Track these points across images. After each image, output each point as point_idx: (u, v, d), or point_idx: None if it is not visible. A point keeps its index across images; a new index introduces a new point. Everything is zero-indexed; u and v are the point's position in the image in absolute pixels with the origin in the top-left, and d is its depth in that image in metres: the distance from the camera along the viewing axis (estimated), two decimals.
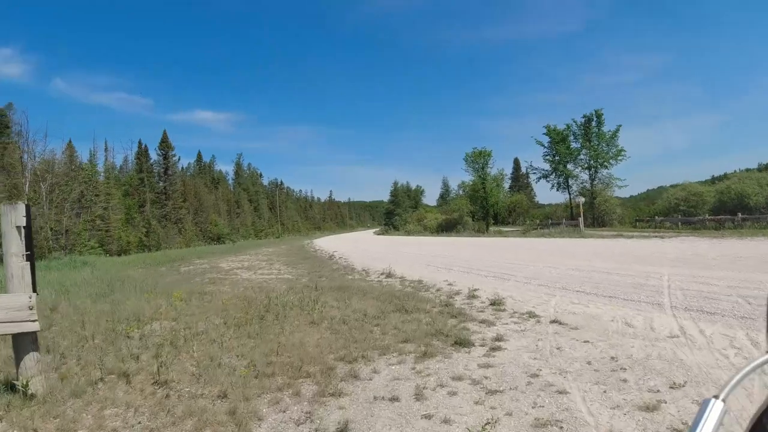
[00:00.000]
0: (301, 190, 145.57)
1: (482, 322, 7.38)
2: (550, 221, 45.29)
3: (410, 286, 12.02)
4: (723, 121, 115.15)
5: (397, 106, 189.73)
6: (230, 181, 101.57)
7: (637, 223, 39.03)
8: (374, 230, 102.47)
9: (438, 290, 11.02)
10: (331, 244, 44.89)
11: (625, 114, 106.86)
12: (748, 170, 41.58)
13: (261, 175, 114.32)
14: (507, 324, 7.20)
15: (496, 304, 8.67)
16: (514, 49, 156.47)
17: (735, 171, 57.82)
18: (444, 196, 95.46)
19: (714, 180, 49.47)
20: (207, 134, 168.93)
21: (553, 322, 7.13)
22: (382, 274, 15.17)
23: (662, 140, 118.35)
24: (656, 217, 37.23)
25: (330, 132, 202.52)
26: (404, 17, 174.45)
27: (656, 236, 25.05)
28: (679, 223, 33.90)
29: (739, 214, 28.68)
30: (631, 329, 6.45)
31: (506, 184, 76.93)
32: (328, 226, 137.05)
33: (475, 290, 10.29)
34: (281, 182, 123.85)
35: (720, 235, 22.49)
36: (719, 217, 30.28)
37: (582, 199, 36.44)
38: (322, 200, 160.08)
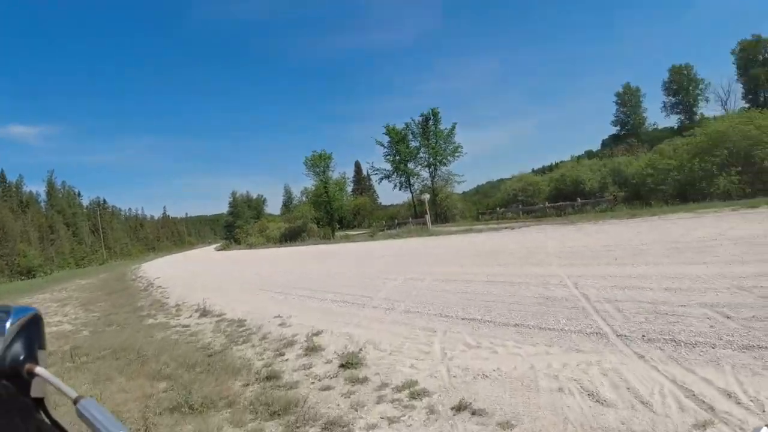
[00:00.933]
0: (130, 209, 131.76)
1: (329, 424, 4.10)
2: (395, 221, 43.77)
3: (226, 331, 8.79)
4: (543, 120, 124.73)
5: (239, 114, 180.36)
6: (42, 204, 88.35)
7: (480, 216, 38.82)
8: (215, 246, 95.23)
9: (263, 338, 7.88)
10: (159, 267, 39.17)
11: (458, 117, 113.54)
12: (578, 158, 43.65)
13: (79, 194, 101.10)
14: (376, 424, 4.03)
15: (350, 365, 5.58)
16: (359, 58, 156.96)
17: (559, 162, 61.94)
18: (287, 204, 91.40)
19: (544, 170, 51.56)
20: (18, 150, 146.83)
21: (458, 409, 4.02)
22: (197, 310, 11.66)
23: (491, 140, 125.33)
24: (498, 209, 37.20)
25: (164, 144, 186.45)
26: (249, 25, 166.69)
27: (506, 227, 23.98)
28: (521, 212, 33.92)
29: (579, 199, 28.99)
30: (608, 411, 3.58)
31: (349, 188, 75.56)
32: (164, 246, 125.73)
33: (318, 334, 7.33)
34: (104, 201, 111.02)
35: (569, 222, 21.84)
36: (559, 203, 30.52)
37: (427, 196, 35.23)
38: (156, 218, 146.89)
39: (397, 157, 51.12)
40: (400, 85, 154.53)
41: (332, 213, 54.16)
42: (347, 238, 43.65)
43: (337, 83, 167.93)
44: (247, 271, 22.93)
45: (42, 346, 0.86)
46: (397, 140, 50.75)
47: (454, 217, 46.53)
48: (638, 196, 29.59)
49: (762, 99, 70.77)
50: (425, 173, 50.99)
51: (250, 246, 61.37)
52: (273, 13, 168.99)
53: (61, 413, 0.82)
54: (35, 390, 0.80)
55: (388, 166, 52.35)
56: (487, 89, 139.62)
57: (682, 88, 76.24)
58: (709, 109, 77.35)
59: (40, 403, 0.81)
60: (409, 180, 51.74)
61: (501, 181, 50.85)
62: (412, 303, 8.69)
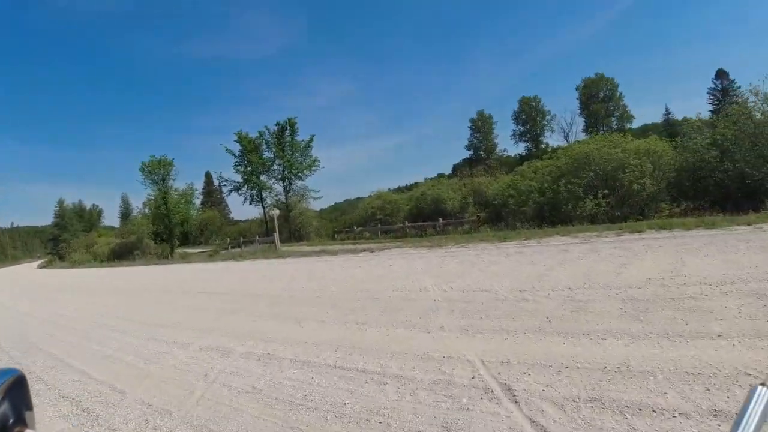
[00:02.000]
0: None
1: None
2: (241, 239, 38.81)
3: None
4: (399, 142, 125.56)
5: (87, 118, 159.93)
6: None
7: (336, 235, 35.32)
8: (39, 262, 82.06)
9: None
10: None
11: (319, 134, 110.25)
12: (438, 177, 42.01)
13: None
14: None
15: None
16: (218, 68, 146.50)
17: (418, 182, 60.69)
18: (125, 216, 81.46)
19: (402, 189, 49.50)
20: None
21: None
22: None
23: (348, 158, 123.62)
24: (354, 227, 33.98)
25: None
26: (101, 23, 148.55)
27: (364, 249, 20.54)
28: (379, 232, 30.97)
29: (440, 219, 26.54)
30: None
31: (198, 200, 68.85)
32: None
33: None
34: None
35: (434, 244, 18.85)
36: (419, 223, 27.91)
37: (277, 212, 30.89)
38: None
39: (249, 168, 46.23)
40: (261, 99, 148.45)
41: (171, 228, 47.62)
42: (184, 258, 37.89)
43: (192, 93, 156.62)
44: (27, 308, 17.23)
45: (29, 407, 0.84)
46: (249, 149, 45.89)
47: (308, 235, 42.69)
48: (500, 217, 27.96)
49: (601, 132, 76.38)
50: (279, 187, 46.71)
51: (74, 264, 52.54)
52: (128, 8, 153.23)
53: None
54: None
55: (238, 178, 47.32)
56: (346, 108, 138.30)
57: (530, 118, 79.75)
58: (553, 139, 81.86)
59: None
60: (261, 193, 47.03)
61: (359, 199, 47.94)
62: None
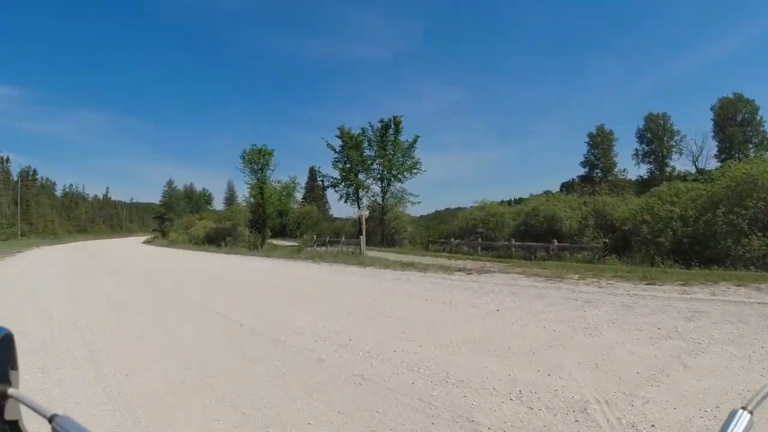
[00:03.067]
0: (71, 185, 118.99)
1: None
2: (327, 238, 36.20)
3: None
4: (506, 154, 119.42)
5: (207, 106, 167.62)
6: None
7: (430, 245, 31.73)
8: (146, 238, 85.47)
9: None
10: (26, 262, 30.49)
11: (423, 139, 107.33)
12: (546, 193, 37.47)
13: (7, 160, 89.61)
14: None
15: None
16: (335, 68, 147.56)
17: (523, 197, 55.58)
18: (230, 202, 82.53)
19: (510, 203, 44.87)
20: None
21: None
22: None
23: (452, 167, 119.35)
24: (451, 239, 30.18)
25: (121, 121, 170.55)
26: (229, 18, 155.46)
27: (460, 270, 16.79)
28: (479, 248, 27.02)
29: (555, 241, 22.20)
30: None
31: (299, 194, 68.16)
32: (98, 229, 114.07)
33: None
34: (34, 171, 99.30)
35: (556, 276, 14.69)
36: (530, 243, 23.67)
37: (366, 213, 27.81)
38: (99, 197, 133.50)
39: (348, 165, 43.86)
40: (368, 99, 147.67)
41: (265, 218, 46.21)
42: (269, 251, 35.92)
43: (308, 89, 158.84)
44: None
45: (14, 367, 0.83)
46: (350, 145, 43.50)
47: (401, 241, 39.48)
48: (627, 245, 23.12)
49: (736, 159, 66.95)
50: (377, 187, 43.89)
51: (172, 243, 52.97)
52: (252, 6, 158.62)
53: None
54: (9, 413, 0.78)
55: (336, 174, 45.06)
56: (453, 117, 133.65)
57: (656, 137, 71.78)
58: (680, 163, 73.33)
59: (14, 425, 0.79)
60: (357, 192, 44.50)
61: (460, 209, 43.84)
62: None
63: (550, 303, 9.74)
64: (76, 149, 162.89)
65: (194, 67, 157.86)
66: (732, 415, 0.72)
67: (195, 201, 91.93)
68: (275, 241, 48.90)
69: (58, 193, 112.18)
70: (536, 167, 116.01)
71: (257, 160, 45.35)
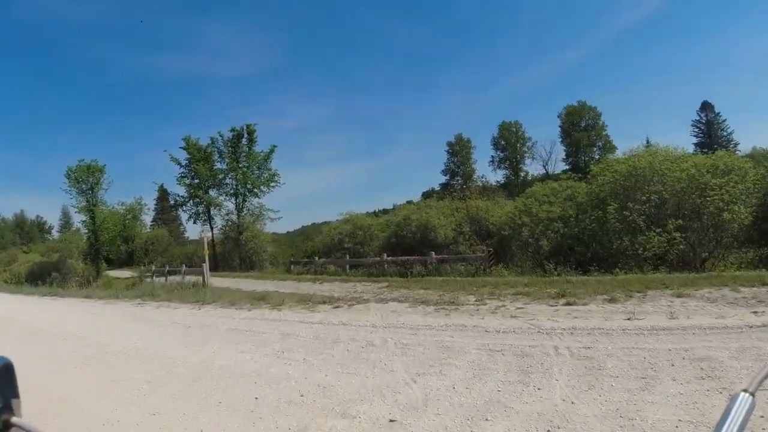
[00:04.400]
0: None
1: None
2: (167, 268, 30.40)
3: None
4: (369, 167, 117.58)
5: (43, 123, 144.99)
6: None
7: (293, 266, 27.45)
8: None
9: None
10: None
11: (285, 156, 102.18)
12: (412, 202, 34.92)
13: None
14: None
15: None
16: (187, 83, 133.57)
17: (387, 208, 52.99)
18: (65, 230, 71.26)
19: (378, 214, 41.73)
20: None
21: None
22: None
23: (315, 183, 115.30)
24: (315, 258, 26.12)
25: None
26: (70, 30, 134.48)
27: (325, 301, 12.90)
28: (347, 266, 23.30)
29: (432, 253, 19.04)
30: None
31: (148, 217, 60.52)
32: None
33: None
34: None
35: (446, 296, 11.32)
36: (405, 257, 20.28)
37: (208, 234, 22.90)
38: None
39: (196, 181, 38.20)
40: (229, 117, 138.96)
41: (98, 248, 38.92)
42: (102, 287, 29.45)
43: (162, 107, 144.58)
44: None
45: (15, 395, 0.82)
46: (197, 158, 37.91)
47: (262, 263, 34.74)
48: (505, 251, 20.78)
49: (582, 163, 70.60)
50: (231, 204, 38.67)
51: None
52: (98, 18, 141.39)
53: None
54: None
55: (183, 191, 39.11)
56: (318, 132, 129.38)
57: (510, 144, 73.80)
58: (532, 168, 76.01)
59: None
60: (209, 211, 38.94)
61: (327, 223, 39.84)
62: None
63: (469, 368, 6.03)
64: None
65: (26, 78, 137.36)
66: (734, 398, 0.71)
67: (27, 231, 78.78)
68: (115, 273, 41.67)
69: None
70: (400, 179, 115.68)
71: (86, 179, 37.96)
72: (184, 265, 27.59)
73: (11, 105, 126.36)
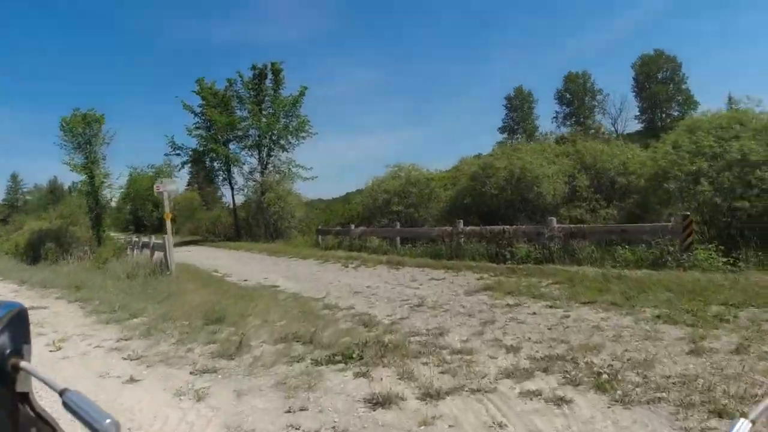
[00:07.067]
0: None
1: None
2: (151, 240, 22.74)
3: None
4: (423, 133, 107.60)
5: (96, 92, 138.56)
6: None
7: (321, 238, 19.43)
8: None
9: None
10: None
11: (342, 123, 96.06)
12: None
13: None
14: None
15: None
16: (241, 49, 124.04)
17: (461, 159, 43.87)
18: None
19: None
20: None
21: None
22: None
23: (366, 149, 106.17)
24: (351, 226, 17.95)
25: None
26: None
27: (344, 355, 4.87)
28: (398, 239, 15.16)
29: (554, 220, 10.42)
30: None
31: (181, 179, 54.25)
32: None
33: None
34: None
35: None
36: (502, 227, 11.56)
37: (172, 186, 14.44)
38: None
39: (211, 131, 30.50)
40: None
41: (98, 212, 31.78)
42: (94, 265, 22.36)
43: (210, 74, 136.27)
44: None
45: (27, 341, 0.83)
46: (213, 104, 30.14)
47: (289, 231, 27.06)
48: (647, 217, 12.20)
49: (659, 121, 59.63)
50: (253, 159, 30.89)
51: None
52: None
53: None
54: (21, 385, 0.78)
55: (195, 143, 31.40)
56: (369, 97, 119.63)
57: (576, 97, 63.32)
58: (604, 123, 65.33)
59: (25, 397, 0.79)
60: (229, 168, 31.34)
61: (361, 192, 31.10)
62: None
63: None
64: None
65: (83, 48, 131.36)
66: (733, 423, 0.69)
67: (59, 197, 73.73)
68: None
69: None
70: (453, 145, 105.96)
71: (82, 132, 30.63)
72: (152, 237, 20.07)
73: (58, 70, 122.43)
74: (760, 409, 0.70)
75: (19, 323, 0.81)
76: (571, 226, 10.10)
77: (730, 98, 23.94)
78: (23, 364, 0.76)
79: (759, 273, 6.91)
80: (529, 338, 4.86)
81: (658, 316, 5.22)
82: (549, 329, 5.14)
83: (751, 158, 10.86)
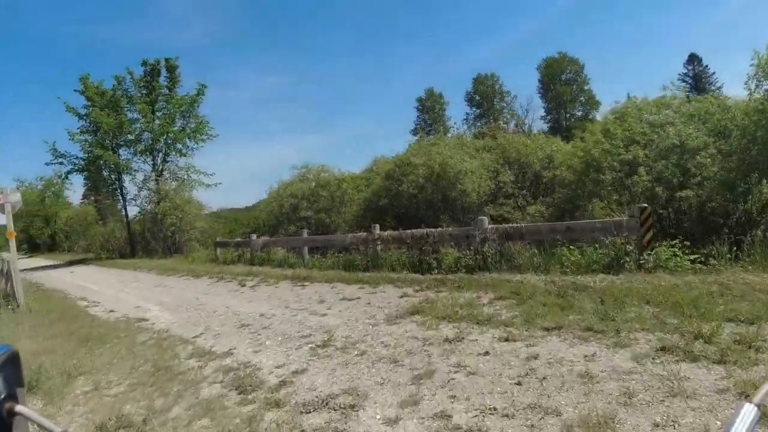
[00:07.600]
0: None
1: None
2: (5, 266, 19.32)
3: None
4: (332, 139, 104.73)
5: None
6: None
7: (219, 251, 16.97)
8: None
9: None
10: None
11: (246, 129, 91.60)
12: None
13: None
14: None
15: None
16: (134, 52, 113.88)
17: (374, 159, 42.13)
18: None
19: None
20: None
21: None
22: None
23: (273, 157, 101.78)
24: (253, 236, 15.59)
25: None
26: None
27: None
28: (305, 249, 13.09)
29: (485, 220, 8.78)
30: None
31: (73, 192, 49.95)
32: None
33: None
34: None
35: None
36: (424, 231, 9.73)
37: (14, 197, 11.47)
38: None
39: (98, 136, 26.84)
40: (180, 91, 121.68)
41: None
42: None
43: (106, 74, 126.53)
44: None
45: (21, 384, 0.80)
46: (100, 105, 26.53)
47: (189, 245, 24.15)
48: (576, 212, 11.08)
49: (564, 120, 61.45)
50: (148, 166, 27.53)
51: None
52: None
53: None
54: (18, 429, 0.76)
55: (78, 151, 27.54)
56: (275, 104, 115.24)
57: (486, 99, 63.93)
58: (511, 126, 66.32)
59: None
60: (120, 176, 27.79)
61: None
62: None
63: None
64: None
65: None
66: (738, 407, 0.69)
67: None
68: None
69: None
70: (363, 150, 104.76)
71: None
72: (6, 263, 16.87)
73: None
74: (763, 393, 0.68)
75: (11, 366, 0.76)
76: (507, 225, 8.49)
77: (629, 96, 23.90)
78: (19, 408, 0.73)
79: (743, 272, 5.57)
80: (494, 408, 3.05)
81: (663, 348, 3.61)
82: (518, 384, 3.38)
83: (689, 144, 9.91)
